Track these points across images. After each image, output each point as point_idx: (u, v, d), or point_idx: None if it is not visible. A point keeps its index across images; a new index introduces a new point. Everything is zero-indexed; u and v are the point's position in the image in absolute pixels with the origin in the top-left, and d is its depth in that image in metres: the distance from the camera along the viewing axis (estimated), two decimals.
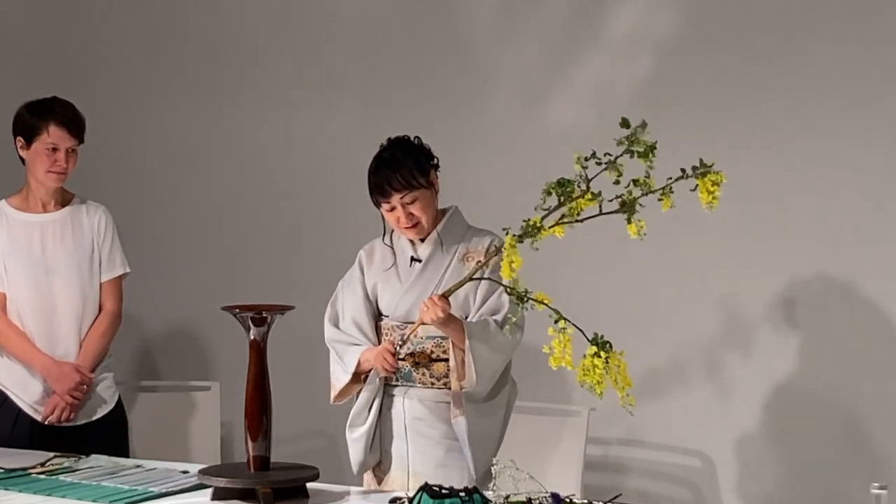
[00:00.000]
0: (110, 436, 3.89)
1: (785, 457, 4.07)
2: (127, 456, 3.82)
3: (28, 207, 3.91)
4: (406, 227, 3.36)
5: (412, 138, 3.40)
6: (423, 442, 3.35)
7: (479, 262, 3.17)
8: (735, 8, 4.13)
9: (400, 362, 3.34)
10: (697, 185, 2.78)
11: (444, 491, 2.71)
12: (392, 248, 3.45)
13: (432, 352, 3.34)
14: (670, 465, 4.23)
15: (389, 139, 3.41)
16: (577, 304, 4.20)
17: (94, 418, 3.89)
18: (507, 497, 2.71)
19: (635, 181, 2.78)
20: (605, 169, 2.78)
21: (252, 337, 3.01)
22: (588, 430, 3.93)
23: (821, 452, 4.02)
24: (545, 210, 2.83)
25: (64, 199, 3.94)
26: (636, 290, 4.23)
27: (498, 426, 3.38)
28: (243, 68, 4.90)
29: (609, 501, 2.82)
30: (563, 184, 2.81)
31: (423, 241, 3.41)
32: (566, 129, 4.34)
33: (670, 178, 2.77)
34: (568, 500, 2.74)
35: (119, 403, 3.98)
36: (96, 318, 3.91)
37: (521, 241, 2.81)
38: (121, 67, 5.08)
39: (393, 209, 3.33)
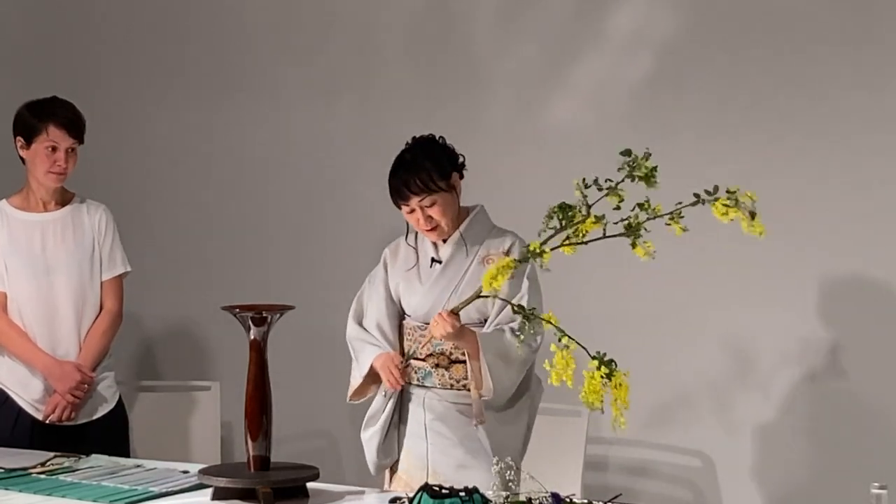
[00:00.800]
0: (111, 435, 3.88)
1: (785, 456, 4.06)
2: (127, 455, 3.82)
3: (29, 207, 3.90)
4: (426, 230, 3.34)
5: (437, 138, 3.37)
6: (443, 442, 3.34)
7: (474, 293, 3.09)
8: (735, 8, 4.12)
9: (420, 363, 3.34)
10: (712, 210, 2.74)
11: (444, 491, 2.71)
12: (415, 248, 3.44)
13: (451, 353, 3.32)
14: (670, 465, 4.23)
15: (414, 138, 3.37)
16: (578, 307, 4.22)
17: (95, 417, 3.88)
18: (507, 497, 2.71)
19: (641, 205, 2.76)
20: (606, 195, 2.77)
21: (252, 337, 3.01)
22: (588, 430, 3.93)
23: (821, 452, 4.01)
24: (550, 230, 2.80)
25: (64, 198, 3.94)
26: (638, 290, 4.22)
27: (521, 433, 3.36)
28: (244, 68, 4.90)
29: (609, 501, 2.82)
30: (564, 208, 2.80)
31: (445, 241, 3.39)
32: (566, 129, 4.34)
33: (680, 203, 2.74)
34: (568, 500, 2.74)
35: (120, 403, 3.98)
36: (97, 317, 3.92)
37: (521, 263, 2.81)
38: (121, 67, 5.08)
39: (412, 211, 3.31)
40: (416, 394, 3.38)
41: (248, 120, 4.89)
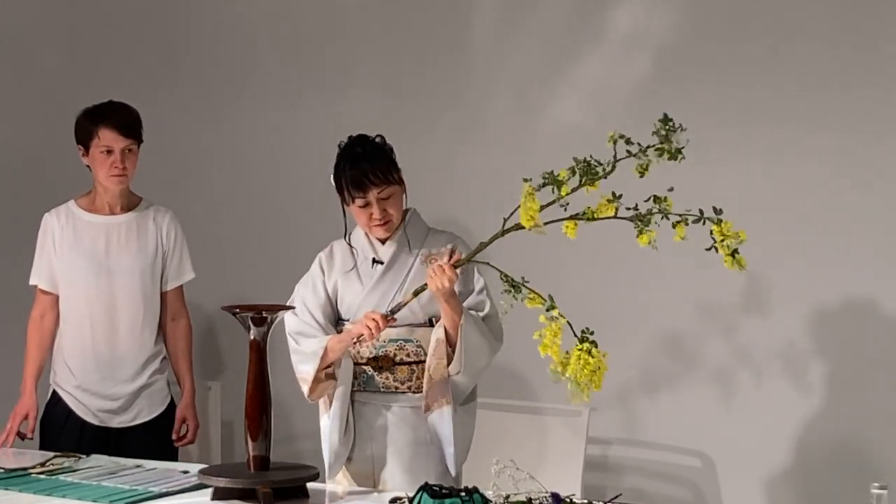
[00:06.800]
0: (158, 438, 3.89)
1: (785, 456, 4.06)
2: (175, 459, 3.83)
3: (95, 209, 3.91)
4: (377, 225, 3.30)
5: (374, 138, 3.35)
6: (388, 450, 3.31)
7: (482, 243, 3.06)
8: (735, 7, 4.12)
9: (362, 367, 3.30)
10: (713, 230, 2.81)
11: (444, 491, 2.71)
12: (352, 249, 3.41)
13: (395, 355, 3.29)
14: (670, 465, 4.23)
15: (350, 137, 3.34)
16: (576, 296, 4.21)
17: (143, 421, 3.90)
18: (507, 497, 2.71)
19: (656, 198, 2.80)
20: (635, 155, 2.81)
21: (252, 337, 3.01)
22: (588, 430, 3.93)
23: (821, 451, 4.01)
24: (568, 186, 2.84)
25: (130, 202, 3.95)
26: (640, 289, 4.22)
27: (472, 429, 3.34)
28: (245, 68, 4.90)
29: (609, 501, 2.82)
30: (589, 163, 2.83)
31: (383, 242, 3.36)
32: (566, 129, 4.34)
33: (689, 210, 2.79)
34: (568, 500, 2.74)
35: (171, 406, 3.98)
36: (159, 322, 3.95)
37: (539, 190, 2.84)
38: (121, 69, 5.07)
39: (367, 205, 3.28)
40: (360, 399, 3.32)
41: (249, 120, 4.89)
